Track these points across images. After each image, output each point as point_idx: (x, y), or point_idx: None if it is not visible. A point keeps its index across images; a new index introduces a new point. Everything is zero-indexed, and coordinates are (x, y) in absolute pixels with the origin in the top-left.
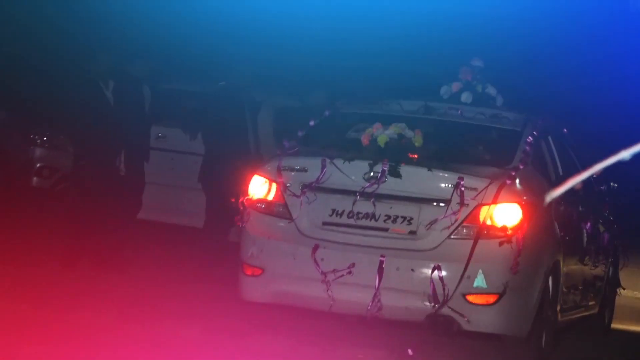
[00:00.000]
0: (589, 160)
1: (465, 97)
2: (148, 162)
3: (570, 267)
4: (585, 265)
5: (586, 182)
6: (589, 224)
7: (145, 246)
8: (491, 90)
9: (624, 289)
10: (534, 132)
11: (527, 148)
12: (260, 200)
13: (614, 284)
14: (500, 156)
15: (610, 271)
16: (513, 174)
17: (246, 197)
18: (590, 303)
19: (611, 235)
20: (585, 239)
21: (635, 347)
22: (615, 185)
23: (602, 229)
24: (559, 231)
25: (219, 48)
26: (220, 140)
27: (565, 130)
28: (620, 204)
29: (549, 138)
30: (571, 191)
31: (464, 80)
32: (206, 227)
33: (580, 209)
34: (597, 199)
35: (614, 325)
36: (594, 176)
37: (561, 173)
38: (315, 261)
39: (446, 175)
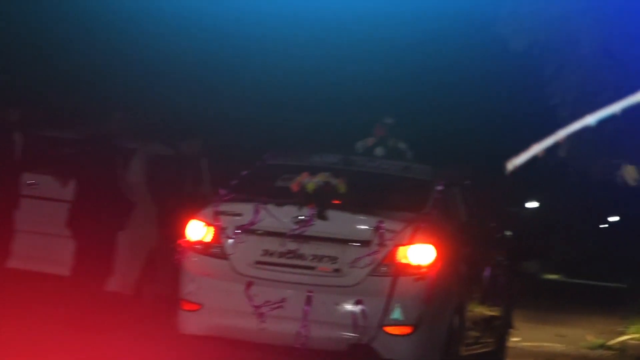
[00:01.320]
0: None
1: (379, 151)
2: (17, 209)
3: (473, 305)
4: (484, 305)
5: (485, 230)
6: (488, 268)
7: (13, 295)
8: (401, 145)
9: (515, 329)
10: (442, 182)
11: (437, 196)
12: (198, 242)
13: (507, 324)
14: (414, 203)
15: (504, 313)
16: (427, 218)
17: (184, 240)
18: (488, 340)
19: (506, 279)
20: (485, 282)
21: None
22: (510, 233)
23: (498, 273)
24: (465, 272)
25: (95, 94)
26: (89, 187)
27: (467, 181)
28: (514, 251)
29: (455, 188)
30: (473, 236)
31: (377, 135)
32: (74, 274)
33: (481, 254)
34: (495, 245)
35: None
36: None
37: (465, 219)
38: (248, 296)
39: (367, 218)
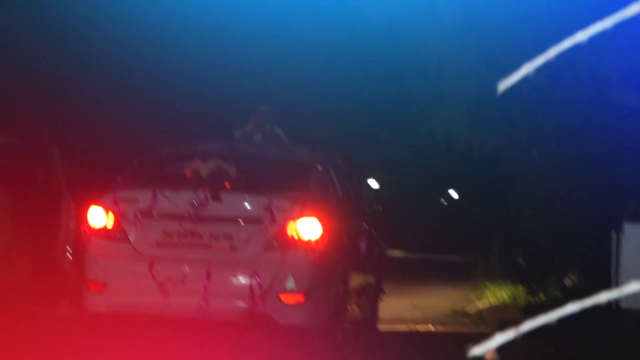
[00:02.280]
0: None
1: (257, 136)
2: None
3: (354, 273)
4: (361, 274)
5: (359, 205)
6: (364, 240)
7: None
8: (277, 130)
9: (386, 294)
10: (321, 162)
11: (318, 175)
12: (100, 228)
13: (379, 291)
14: (298, 182)
15: (376, 280)
16: (311, 195)
17: (86, 225)
18: (365, 305)
19: (378, 249)
20: (362, 252)
21: (397, 340)
22: (380, 207)
23: (372, 244)
24: (347, 244)
25: None
26: None
27: (339, 161)
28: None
29: (330, 167)
30: (350, 211)
31: (255, 122)
32: None
33: (358, 226)
34: (368, 218)
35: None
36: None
37: (341, 195)
38: (152, 275)
39: (258, 198)
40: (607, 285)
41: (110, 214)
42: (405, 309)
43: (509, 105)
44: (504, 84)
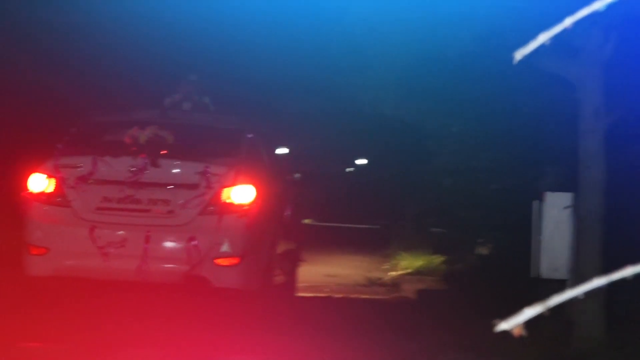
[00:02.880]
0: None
1: (186, 105)
2: None
3: (280, 239)
4: (285, 239)
5: (283, 173)
6: (288, 207)
7: None
8: (205, 99)
9: (304, 262)
10: (250, 131)
11: (249, 142)
12: (41, 193)
13: (299, 257)
14: (231, 149)
15: (297, 247)
16: (244, 162)
17: (27, 191)
18: (287, 270)
19: (298, 217)
20: (286, 219)
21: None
22: (299, 175)
23: (294, 211)
24: (275, 210)
25: None
26: None
27: (265, 130)
28: (304, 192)
29: (259, 136)
30: (277, 179)
31: (183, 91)
32: None
33: (284, 194)
34: (291, 187)
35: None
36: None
37: (268, 163)
38: (92, 239)
39: (194, 164)
40: (527, 253)
41: (52, 179)
42: (318, 278)
43: (432, 75)
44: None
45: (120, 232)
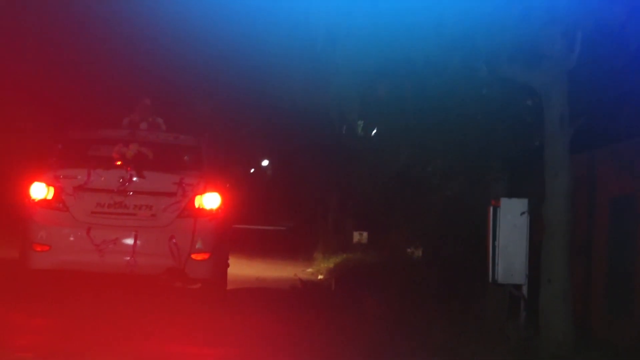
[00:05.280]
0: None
1: (143, 125)
2: None
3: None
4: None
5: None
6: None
7: None
8: (159, 120)
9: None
10: (207, 146)
11: (208, 156)
12: (43, 200)
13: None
14: (196, 163)
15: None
16: (209, 173)
17: (29, 198)
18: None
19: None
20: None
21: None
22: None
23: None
24: (231, 213)
25: None
26: None
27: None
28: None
29: (210, 150)
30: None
31: (140, 113)
32: None
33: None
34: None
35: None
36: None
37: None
38: (89, 238)
39: (172, 176)
40: (483, 258)
41: (52, 188)
42: (251, 282)
43: (391, 82)
44: None
45: (113, 232)
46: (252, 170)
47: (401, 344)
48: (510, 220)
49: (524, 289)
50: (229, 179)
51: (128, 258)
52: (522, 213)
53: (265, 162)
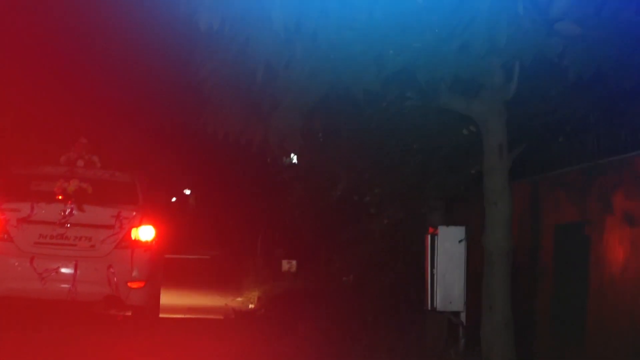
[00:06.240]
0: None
1: (80, 162)
2: None
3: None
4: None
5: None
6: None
7: None
8: (94, 158)
9: None
10: (140, 182)
11: (144, 191)
12: None
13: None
14: (132, 197)
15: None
16: (145, 207)
17: None
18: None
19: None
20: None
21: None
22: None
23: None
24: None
25: None
26: None
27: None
28: None
29: (146, 184)
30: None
31: (77, 151)
32: None
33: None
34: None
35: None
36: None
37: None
38: (32, 266)
39: (110, 209)
40: (420, 284)
41: None
42: (183, 311)
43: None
44: None
45: (55, 262)
46: (174, 200)
47: None
48: (449, 248)
49: (462, 316)
50: (159, 211)
51: (69, 286)
52: (460, 240)
53: (187, 191)
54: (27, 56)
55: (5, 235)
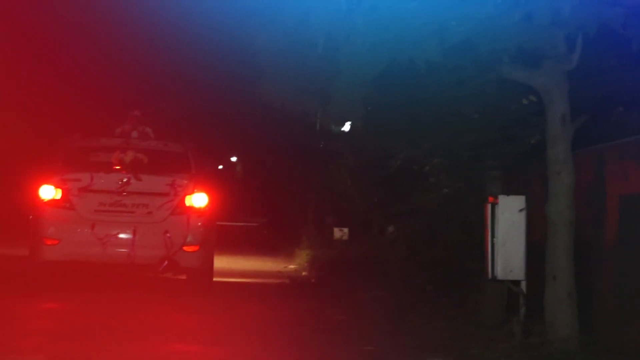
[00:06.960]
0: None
1: (134, 134)
2: None
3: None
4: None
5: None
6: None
7: None
8: (148, 130)
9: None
10: (192, 152)
11: (195, 161)
12: (52, 200)
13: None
14: (185, 166)
15: None
16: (197, 175)
17: (39, 199)
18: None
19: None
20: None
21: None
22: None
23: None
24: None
25: None
26: None
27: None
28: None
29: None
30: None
31: (131, 123)
32: None
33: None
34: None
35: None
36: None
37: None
38: (93, 232)
39: (165, 178)
40: (481, 254)
41: (59, 190)
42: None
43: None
44: None
45: (114, 228)
46: (221, 167)
47: (401, 340)
48: (509, 217)
49: (523, 285)
50: (212, 180)
51: (128, 250)
52: (520, 210)
53: (233, 158)
54: (82, 34)
55: (68, 204)
